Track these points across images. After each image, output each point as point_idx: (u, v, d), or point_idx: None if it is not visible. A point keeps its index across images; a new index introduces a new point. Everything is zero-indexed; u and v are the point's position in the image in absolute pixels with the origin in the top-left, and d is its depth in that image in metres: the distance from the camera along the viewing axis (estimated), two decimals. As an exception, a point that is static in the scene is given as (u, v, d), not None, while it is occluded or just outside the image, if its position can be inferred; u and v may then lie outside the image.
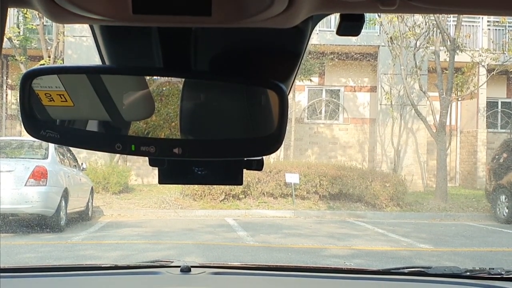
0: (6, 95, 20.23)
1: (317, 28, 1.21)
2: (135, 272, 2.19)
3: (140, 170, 18.17)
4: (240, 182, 1.31)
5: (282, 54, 1.14)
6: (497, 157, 15.33)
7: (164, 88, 1.03)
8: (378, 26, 18.54)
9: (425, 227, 13.05)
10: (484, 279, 2.12)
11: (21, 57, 17.44)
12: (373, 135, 20.23)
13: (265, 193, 15.28)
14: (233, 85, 1.07)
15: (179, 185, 14.72)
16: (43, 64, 15.31)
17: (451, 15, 17.54)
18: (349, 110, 20.81)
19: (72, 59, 17.70)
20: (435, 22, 16.66)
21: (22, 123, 1.03)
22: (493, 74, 18.16)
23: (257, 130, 1.07)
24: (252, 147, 1.06)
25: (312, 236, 11.22)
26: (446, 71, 16.88)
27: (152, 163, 1.25)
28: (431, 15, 15.33)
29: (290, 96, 1.13)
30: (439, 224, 13.67)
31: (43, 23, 17.43)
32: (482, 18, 19.97)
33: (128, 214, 13.85)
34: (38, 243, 9.74)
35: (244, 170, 1.30)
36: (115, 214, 13.83)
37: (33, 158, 11.65)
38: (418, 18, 17.20)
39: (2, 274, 2.05)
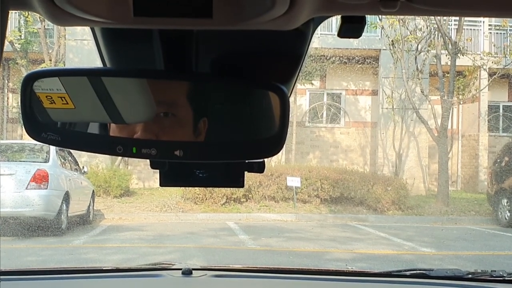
0: (7, 98, 20.23)
1: (318, 31, 1.22)
2: (136, 275, 2.19)
3: (141, 174, 18.17)
4: (241, 185, 1.31)
5: (283, 56, 1.14)
6: (498, 160, 15.30)
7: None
8: (379, 30, 18.53)
9: (427, 230, 13.02)
10: (486, 282, 2.11)
11: (22, 60, 17.44)
12: (375, 138, 20.20)
13: (267, 197, 15.27)
14: (234, 87, 1.07)
15: (180, 189, 14.73)
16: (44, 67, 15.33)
17: (453, 18, 17.54)
18: (351, 113, 20.79)
19: (73, 62, 17.69)
20: (436, 26, 16.65)
21: (23, 126, 1.03)
22: (494, 77, 18.13)
23: (258, 132, 1.06)
24: (254, 149, 1.05)
25: (314, 239, 11.19)
26: (448, 75, 16.87)
27: (153, 166, 1.25)
28: (432, 18, 15.33)
29: (291, 99, 1.13)
30: (441, 228, 13.65)
31: (44, 26, 17.44)
32: (484, 21, 19.98)
33: (129, 218, 13.84)
34: (39, 247, 9.73)
35: (246, 173, 1.30)
36: (116, 218, 13.82)
37: (34, 162, 11.65)
38: (420, 21, 17.18)
39: (2, 277, 2.05)
